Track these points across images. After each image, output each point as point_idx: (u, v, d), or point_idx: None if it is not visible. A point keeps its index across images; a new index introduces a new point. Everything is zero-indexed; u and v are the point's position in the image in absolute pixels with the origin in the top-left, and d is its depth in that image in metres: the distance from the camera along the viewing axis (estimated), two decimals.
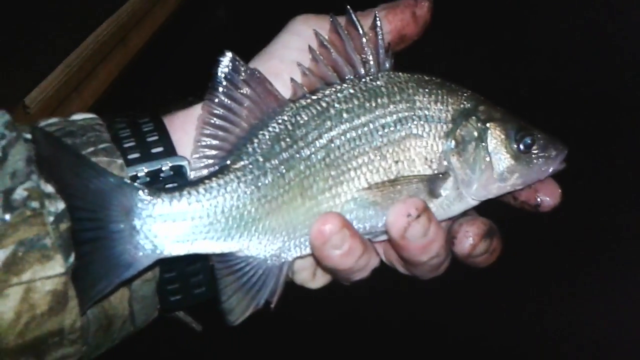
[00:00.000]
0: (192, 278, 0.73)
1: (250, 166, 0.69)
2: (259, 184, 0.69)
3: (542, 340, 2.01)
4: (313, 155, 0.70)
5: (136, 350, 0.75)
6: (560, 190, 0.76)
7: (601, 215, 2.33)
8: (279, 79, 0.74)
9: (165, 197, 0.66)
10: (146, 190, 0.65)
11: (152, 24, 2.98)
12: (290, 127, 0.70)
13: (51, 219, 0.63)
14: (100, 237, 0.63)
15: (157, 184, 0.69)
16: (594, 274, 2.17)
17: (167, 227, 0.66)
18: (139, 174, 0.69)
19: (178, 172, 0.71)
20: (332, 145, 0.71)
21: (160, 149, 0.71)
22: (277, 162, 0.70)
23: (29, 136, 0.66)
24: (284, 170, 0.70)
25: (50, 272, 0.62)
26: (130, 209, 0.64)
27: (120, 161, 0.68)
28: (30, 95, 2.23)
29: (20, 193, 0.62)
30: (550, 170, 0.75)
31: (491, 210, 0.78)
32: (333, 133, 0.71)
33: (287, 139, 0.70)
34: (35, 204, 0.62)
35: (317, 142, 0.71)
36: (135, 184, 0.66)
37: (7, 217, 0.61)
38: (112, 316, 0.68)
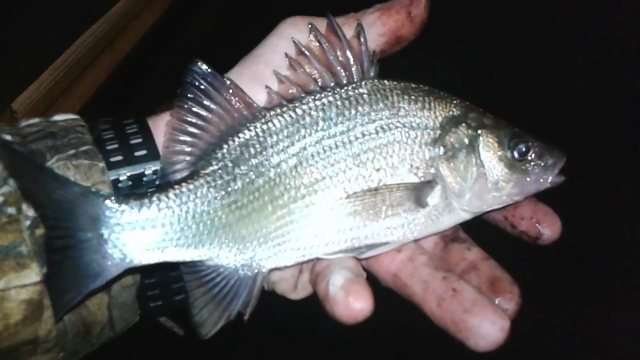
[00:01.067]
0: (174, 284, 0.72)
1: (220, 171, 0.69)
2: (229, 189, 0.68)
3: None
4: (284, 163, 0.69)
5: (119, 351, 0.74)
6: (560, 223, 0.73)
7: (603, 219, 2.31)
8: (264, 84, 0.73)
9: (134, 204, 0.65)
10: (113, 198, 0.64)
11: (141, 28, 2.96)
12: (261, 134, 0.70)
13: (27, 223, 0.62)
14: (69, 245, 0.63)
15: (139, 189, 0.69)
16: (598, 281, 2.15)
17: (136, 235, 0.65)
18: (121, 178, 0.69)
19: (161, 177, 0.70)
20: (305, 153, 0.70)
21: (143, 152, 0.70)
22: (246, 168, 0.69)
23: (8, 137, 0.65)
24: (253, 177, 0.69)
25: (26, 281, 0.61)
26: (97, 217, 0.63)
27: (102, 164, 0.67)
28: (17, 100, 2.21)
29: None
30: (549, 180, 0.73)
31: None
32: (306, 141, 0.70)
33: (257, 146, 0.69)
34: (11, 210, 0.62)
35: (288, 149, 0.70)
36: (102, 191, 0.65)
37: None
38: (91, 322, 0.67)
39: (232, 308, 0.68)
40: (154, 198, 0.66)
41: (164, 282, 0.72)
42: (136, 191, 0.69)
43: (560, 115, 2.63)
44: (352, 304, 0.64)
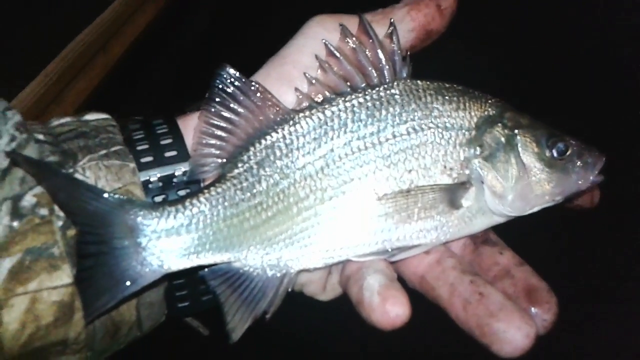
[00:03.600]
0: (201, 285, 0.72)
1: (246, 173, 0.69)
2: (254, 191, 0.69)
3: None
4: (310, 165, 0.69)
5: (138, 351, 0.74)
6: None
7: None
8: (291, 86, 0.72)
9: (169, 211, 0.66)
10: (148, 207, 0.65)
11: (133, 32, 2.93)
12: (287, 136, 0.70)
13: (59, 224, 0.63)
14: (104, 252, 0.63)
15: (169, 189, 0.70)
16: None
17: (172, 241, 0.66)
18: (152, 179, 0.69)
19: (191, 177, 0.70)
20: (333, 154, 0.69)
21: (173, 153, 0.71)
22: (271, 170, 0.69)
23: (41, 137, 0.66)
24: (277, 179, 0.69)
25: (57, 282, 0.61)
26: (134, 226, 0.64)
27: (132, 165, 0.68)
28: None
29: (29, 199, 0.62)
30: (591, 179, 0.72)
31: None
32: (335, 142, 0.70)
33: (283, 148, 0.69)
34: (44, 211, 0.62)
35: (315, 151, 0.69)
36: (138, 200, 0.66)
37: (15, 224, 0.61)
38: (119, 322, 0.68)
39: (259, 308, 0.68)
40: (187, 203, 0.67)
41: (192, 283, 0.72)
42: (167, 194, 0.70)
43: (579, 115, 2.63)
44: (390, 310, 0.64)
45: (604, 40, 2.99)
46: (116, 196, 0.64)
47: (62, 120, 0.70)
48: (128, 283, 0.63)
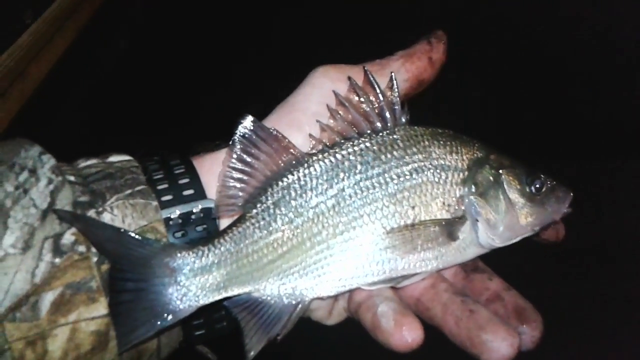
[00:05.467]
0: (215, 314, 0.78)
1: (263, 213, 0.76)
2: (270, 228, 0.75)
3: None
4: (322, 203, 0.76)
5: None
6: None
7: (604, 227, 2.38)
8: (301, 131, 0.80)
9: (202, 250, 0.73)
10: (186, 249, 0.72)
11: (52, 56, 2.85)
12: (302, 178, 0.77)
13: (95, 259, 0.68)
14: (143, 288, 0.69)
15: (188, 226, 0.75)
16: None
17: (205, 278, 0.73)
18: (172, 216, 0.75)
19: (207, 214, 0.76)
20: (344, 193, 0.76)
21: (191, 192, 0.76)
22: (286, 209, 0.76)
23: (72, 178, 0.71)
24: (292, 217, 0.76)
25: (95, 314, 0.67)
26: (174, 267, 0.71)
27: (155, 203, 0.73)
28: None
29: (68, 238, 0.67)
30: (562, 211, 0.82)
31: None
32: (345, 183, 0.77)
33: (298, 189, 0.76)
34: (82, 248, 0.67)
35: (327, 191, 0.76)
36: (175, 243, 0.73)
37: (57, 260, 0.66)
38: (143, 350, 0.72)
39: (274, 331, 0.74)
40: (216, 242, 0.74)
41: (208, 312, 0.77)
42: (187, 230, 0.76)
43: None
44: (407, 335, 0.72)
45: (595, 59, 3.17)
46: (158, 243, 0.71)
47: (89, 162, 0.75)
48: (169, 317, 0.69)
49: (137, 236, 0.69)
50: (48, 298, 0.64)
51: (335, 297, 0.83)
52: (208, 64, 3.23)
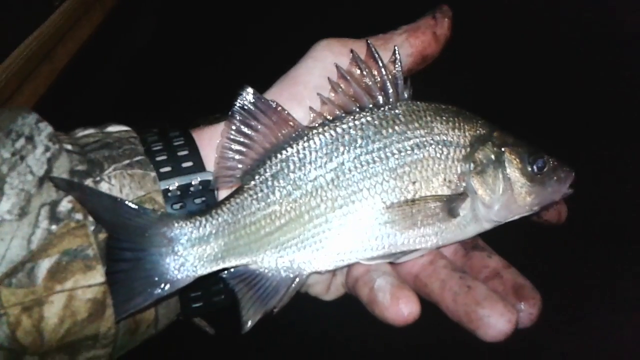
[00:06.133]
0: (213, 286, 0.78)
1: (261, 185, 0.75)
2: (268, 200, 0.75)
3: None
4: (321, 177, 0.75)
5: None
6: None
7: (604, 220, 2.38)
8: (301, 105, 0.79)
9: (200, 221, 0.72)
10: (183, 218, 0.72)
11: (79, 38, 2.90)
12: (301, 150, 0.76)
13: (92, 228, 0.68)
14: (140, 258, 0.69)
15: (186, 198, 0.75)
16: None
17: (202, 248, 0.72)
18: (171, 188, 0.74)
19: (206, 187, 0.76)
20: (343, 167, 0.76)
21: (190, 164, 0.76)
22: (284, 182, 0.75)
23: (69, 147, 0.70)
24: (290, 189, 0.75)
25: (91, 281, 0.66)
26: (172, 237, 0.71)
27: (153, 174, 0.73)
28: None
29: (65, 205, 0.67)
30: (563, 191, 0.81)
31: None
32: (345, 156, 0.76)
33: (297, 161, 0.76)
34: (79, 216, 0.67)
35: (326, 165, 0.76)
36: (173, 213, 0.73)
37: (54, 227, 0.66)
38: (140, 320, 0.72)
39: (270, 304, 0.74)
40: (213, 213, 0.73)
41: (205, 284, 0.77)
42: (185, 202, 0.75)
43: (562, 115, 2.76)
44: (403, 308, 0.71)
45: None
46: (156, 212, 0.70)
47: (87, 132, 0.75)
48: (166, 286, 0.69)
49: (134, 205, 0.68)
50: (44, 265, 0.64)
51: (334, 272, 0.83)
52: (211, 36, 3.23)
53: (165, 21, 3.54)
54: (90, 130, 0.75)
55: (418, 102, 0.79)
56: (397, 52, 0.78)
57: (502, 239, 0.84)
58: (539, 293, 0.74)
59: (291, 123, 0.76)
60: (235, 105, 0.75)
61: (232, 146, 0.75)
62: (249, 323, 0.73)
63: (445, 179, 0.78)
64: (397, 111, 0.78)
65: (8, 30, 2.52)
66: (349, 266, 0.79)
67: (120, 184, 0.70)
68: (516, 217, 0.81)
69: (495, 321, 0.70)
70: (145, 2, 3.69)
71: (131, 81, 2.93)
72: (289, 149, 0.76)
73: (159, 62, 3.03)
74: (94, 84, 2.87)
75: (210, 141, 0.77)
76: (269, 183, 0.75)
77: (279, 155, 0.76)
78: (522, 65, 3.10)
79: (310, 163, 0.76)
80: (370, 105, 0.78)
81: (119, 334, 0.70)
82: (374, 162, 0.76)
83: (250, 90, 0.75)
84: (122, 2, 3.39)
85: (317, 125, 0.77)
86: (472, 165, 0.79)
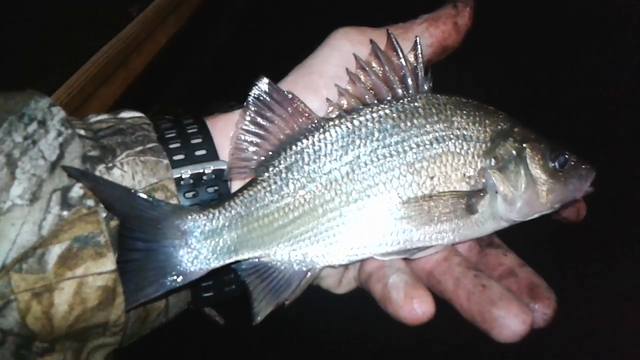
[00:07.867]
0: (224, 276, 0.78)
1: (275, 177, 0.74)
2: (282, 193, 0.74)
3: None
4: (336, 170, 0.74)
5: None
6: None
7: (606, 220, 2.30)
8: (317, 95, 0.77)
9: (213, 213, 0.71)
10: (197, 211, 0.71)
11: (153, 47, 3.00)
12: (316, 143, 0.75)
13: (104, 215, 0.67)
14: (153, 249, 0.69)
15: (199, 187, 0.74)
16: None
17: (215, 240, 0.71)
18: (184, 176, 0.73)
19: (219, 176, 0.75)
20: (359, 161, 0.74)
21: (203, 152, 0.75)
22: (299, 174, 0.74)
23: (82, 132, 0.69)
24: (305, 182, 0.74)
25: (102, 269, 0.65)
26: (185, 230, 0.70)
27: (166, 162, 0.72)
28: None
29: (76, 191, 0.66)
30: (584, 189, 0.79)
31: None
32: (361, 150, 0.74)
33: (312, 154, 0.74)
34: (90, 202, 0.66)
35: (342, 158, 0.74)
36: (187, 206, 0.72)
37: (65, 213, 0.65)
38: (150, 308, 0.72)
39: (282, 296, 0.73)
40: (227, 205, 0.72)
41: (217, 274, 0.76)
42: (198, 191, 0.74)
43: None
44: (417, 308, 0.70)
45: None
46: (170, 204, 0.70)
47: (100, 117, 0.74)
48: (179, 278, 0.69)
49: (147, 197, 0.68)
50: (55, 251, 0.64)
51: (346, 266, 0.82)
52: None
53: (238, 32, 3.61)
54: (104, 116, 0.74)
55: (438, 95, 0.77)
56: (418, 42, 0.76)
57: (517, 237, 0.81)
58: (554, 293, 0.72)
59: (307, 115, 0.75)
60: (251, 95, 0.74)
61: (247, 137, 0.74)
62: (261, 315, 0.73)
63: (464, 175, 0.75)
64: (416, 104, 0.76)
65: (87, 38, 2.64)
66: (362, 261, 0.78)
67: (132, 171, 0.69)
68: (537, 215, 0.79)
69: (510, 322, 0.68)
70: (219, 15, 3.78)
71: (201, 90, 3.00)
72: (303, 141, 0.75)
73: (226, 72, 3.09)
74: (167, 92, 2.96)
75: (224, 129, 0.76)
76: (283, 175, 0.74)
77: (293, 147, 0.75)
78: (545, 58, 3.01)
79: (325, 156, 0.74)
80: (389, 98, 0.76)
81: (129, 322, 0.69)
82: (391, 156, 0.74)
83: (265, 80, 0.74)
84: (197, 15, 3.48)
85: (333, 117, 0.76)
86: (492, 161, 0.76)
